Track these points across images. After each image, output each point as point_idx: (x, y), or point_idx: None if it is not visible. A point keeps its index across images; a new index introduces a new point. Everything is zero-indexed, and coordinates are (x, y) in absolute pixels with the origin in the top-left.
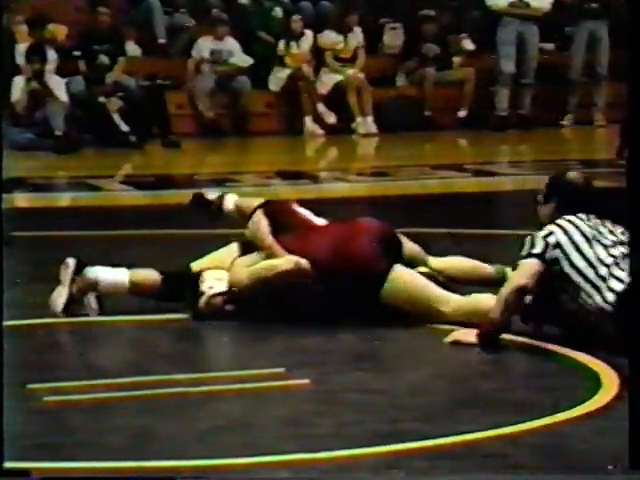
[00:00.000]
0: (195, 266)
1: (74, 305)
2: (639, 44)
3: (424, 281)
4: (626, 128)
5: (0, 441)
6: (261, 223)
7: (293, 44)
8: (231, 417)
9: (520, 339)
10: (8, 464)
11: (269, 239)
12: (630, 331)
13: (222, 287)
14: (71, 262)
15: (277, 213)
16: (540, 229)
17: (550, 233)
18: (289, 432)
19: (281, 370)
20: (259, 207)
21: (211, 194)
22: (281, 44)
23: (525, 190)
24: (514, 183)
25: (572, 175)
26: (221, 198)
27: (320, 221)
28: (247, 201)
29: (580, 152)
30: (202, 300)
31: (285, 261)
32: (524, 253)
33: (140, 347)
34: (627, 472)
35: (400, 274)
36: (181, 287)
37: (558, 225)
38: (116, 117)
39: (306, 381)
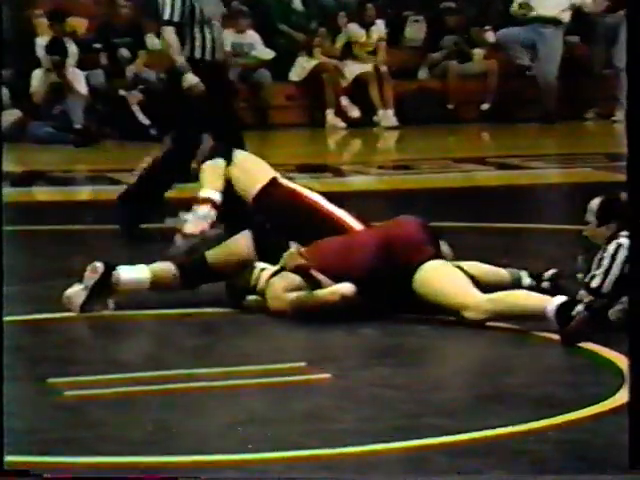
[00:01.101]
0: (210, 255)
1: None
2: (638, 41)
3: (461, 275)
4: None
5: (0, 441)
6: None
7: (328, 38)
8: (252, 411)
9: (544, 334)
10: (25, 458)
11: (318, 275)
12: (630, 331)
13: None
14: (100, 267)
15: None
16: (590, 249)
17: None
18: (310, 427)
19: (302, 364)
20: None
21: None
22: (317, 37)
23: (549, 184)
24: (538, 177)
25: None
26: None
27: (356, 224)
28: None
29: (604, 146)
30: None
31: (330, 294)
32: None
33: (161, 341)
34: (627, 472)
35: (438, 264)
36: (199, 277)
37: (621, 243)
38: (136, 110)
39: (327, 375)
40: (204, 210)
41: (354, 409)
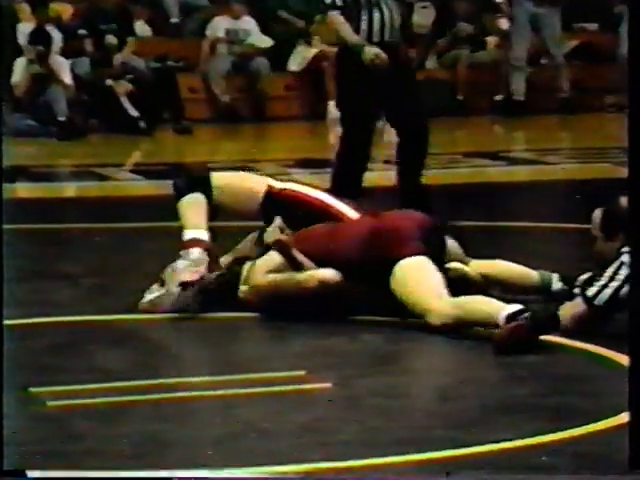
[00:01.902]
0: (217, 177)
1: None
2: (639, 35)
3: (435, 279)
4: None
5: (0, 444)
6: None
7: (324, 25)
8: (247, 423)
9: (559, 339)
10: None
11: (300, 256)
12: (631, 331)
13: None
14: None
15: (303, 206)
16: (599, 266)
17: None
18: (309, 439)
19: (301, 373)
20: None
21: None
22: (315, 24)
23: (565, 180)
24: (554, 172)
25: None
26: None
27: (353, 213)
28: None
29: (624, 139)
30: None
31: (308, 277)
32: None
33: (151, 348)
34: (627, 472)
35: (414, 262)
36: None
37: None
38: (124, 101)
39: (328, 385)
40: (195, 254)
41: (357, 420)
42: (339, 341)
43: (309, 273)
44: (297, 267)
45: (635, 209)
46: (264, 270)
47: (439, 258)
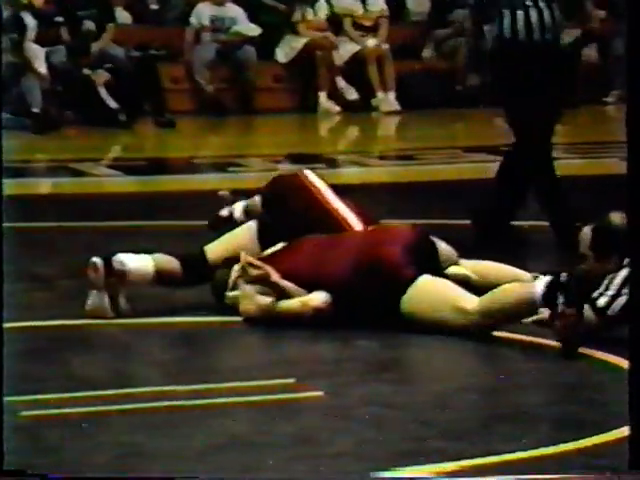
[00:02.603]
0: (211, 252)
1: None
2: (638, 30)
3: (449, 285)
4: None
5: (0, 441)
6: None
7: (308, 10)
8: (234, 434)
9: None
10: None
11: (283, 283)
12: (631, 332)
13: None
14: (99, 262)
15: (302, 208)
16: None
17: None
18: (299, 451)
19: (291, 381)
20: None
21: (223, 211)
22: (296, 10)
23: (570, 176)
24: (557, 168)
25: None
26: (231, 212)
27: (356, 222)
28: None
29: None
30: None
31: (301, 305)
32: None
33: (131, 354)
34: (627, 472)
35: (426, 280)
36: (199, 273)
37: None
38: (103, 92)
39: (319, 393)
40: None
41: (349, 431)
42: (331, 347)
43: (301, 301)
44: (283, 295)
45: (635, 208)
46: (256, 289)
47: (433, 267)
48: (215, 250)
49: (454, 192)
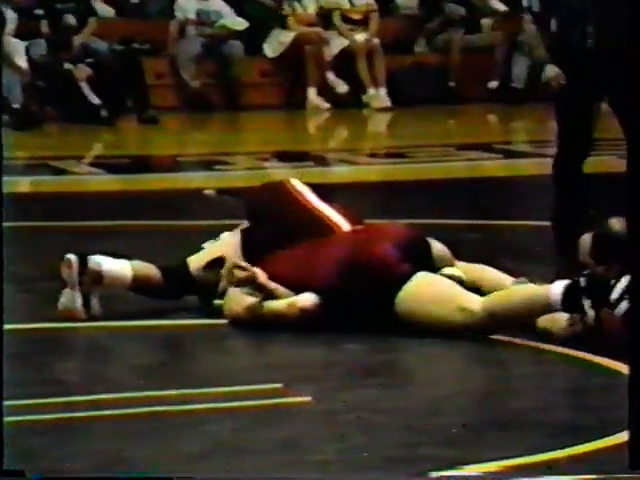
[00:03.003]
0: (194, 262)
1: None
2: (638, 29)
3: (450, 282)
4: None
5: (0, 442)
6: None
7: (297, 3)
8: (219, 440)
9: (560, 349)
10: None
11: (271, 284)
12: (631, 332)
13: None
14: (73, 259)
15: (285, 214)
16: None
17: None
18: (287, 457)
19: (278, 385)
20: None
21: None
22: (284, 4)
23: None
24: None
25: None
26: None
27: (343, 223)
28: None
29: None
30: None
31: (288, 306)
32: None
33: (113, 358)
34: (627, 472)
35: (424, 277)
36: (182, 285)
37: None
38: (84, 87)
39: (307, 398)
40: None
41: (337, 437)
42: (319, 351)
43: (288, 302)
44: (271, 296)
45: (635, 207)
46: (237, 296)
47: (427, 267)
48: (198, 261)
49: (447, 191)
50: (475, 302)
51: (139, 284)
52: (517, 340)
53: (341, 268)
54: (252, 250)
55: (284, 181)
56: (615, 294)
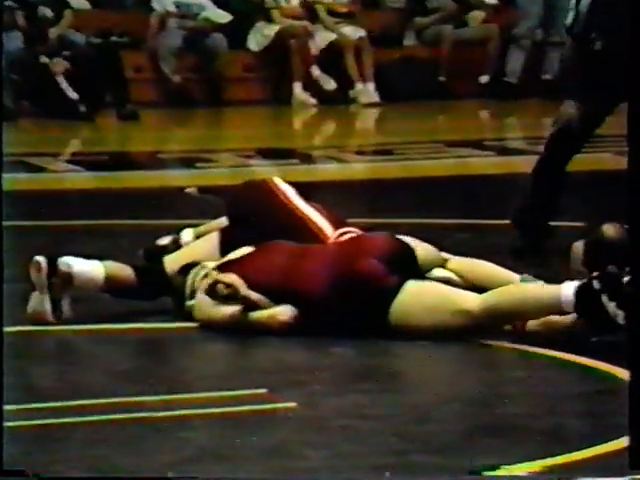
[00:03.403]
0: (170, 262)
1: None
2: (638, 28)
3: (442, 286)
4: None
5: (0, 442)
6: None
7: None
8: (202, 447)
9: (552, 352)
10: None
11: (253, 296)
12: (631, 332)
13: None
14: (42, 261)
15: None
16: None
17: None
18: (272, 465)
19: (262, 391)
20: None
21: (162, 239)
22: None
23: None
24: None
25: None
26: (176, 240)
27: (325, 225)
28: (209, 227)
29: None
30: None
31: (269, 318)
32: None
33: (89, 362)
34: (627, 472)
35: (415, 285)
36: (156, 285)
37: None
38: (61, 82)
39: (292, 404)
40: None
41: (325, 444)
42: (305, 355)
43: (268, 314)
44: (250, 307)
45: (635, 206)
46: (215, 305)
47: (413, 273)
48: (175, 261)
49: (437, 189)
50: (472, 302)
51: (112, 285)
52: (510, 344)
53: (326, 281)
54: (231, 251)
55: (267, 180)
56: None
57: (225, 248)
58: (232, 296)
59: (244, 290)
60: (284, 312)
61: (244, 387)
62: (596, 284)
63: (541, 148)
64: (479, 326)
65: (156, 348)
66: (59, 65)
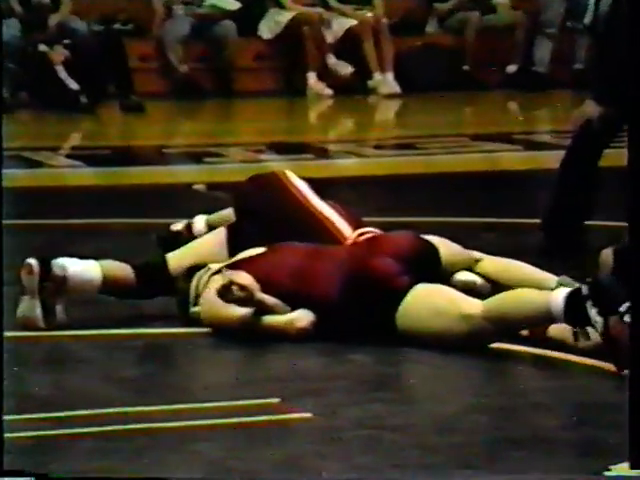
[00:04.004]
0: (174, 260)
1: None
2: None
3: (451, 290)
4: None
5: (0, 442)
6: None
7: None
8: (211, 460)
9: (586, 360)
10: None
11: (269, 300)
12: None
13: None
14: (34, 264)
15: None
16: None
17: None
18: (286, 479)
19: (276, 400)
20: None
21: (176, 225)
22: None
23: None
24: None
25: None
26: (189, 225)
27: (344, 226)
28: (222, 216)
29: None
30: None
31: (286, 323)
32: None
33: (92, 370)
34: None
35: (423, 288)
36: (158, 284)
37: None
38: (61, 71)
39: (307, 414)
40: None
41: (341, 456)
42: (320, 362)
43: (286, 320)
44: (265, 311)
45: (635, 205)
46: (225, 307)
47: (434, 275)
48: (179, 259)
49: (461, 186)
50: (475, 307)
51: (110, 286)
52: (535, 350)
53: (341, 283)
54: (240, 249)
55: (278, 173)
56: (625, 306)
57: (233, 246)
58: (246, 299)
59: (259, 294)
60: (302, 318)
61: (255, 396)
62: (585, 290)
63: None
64: (482, 332)
65: (161, 354)
66: (59, 54)
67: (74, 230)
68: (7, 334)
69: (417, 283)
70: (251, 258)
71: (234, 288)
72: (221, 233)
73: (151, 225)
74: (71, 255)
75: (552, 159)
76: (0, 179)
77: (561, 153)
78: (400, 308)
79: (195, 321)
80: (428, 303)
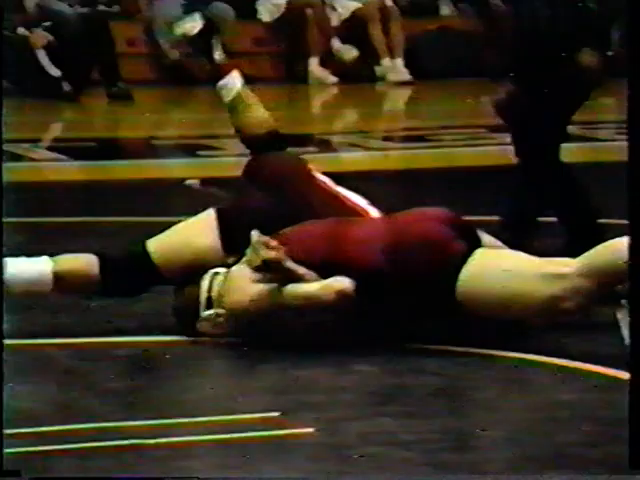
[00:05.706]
0: (155, 246)
1: None
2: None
3: (524, 254)
4: None
5: (0, 444)
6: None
7: None
8: (207, 478)
9: (616, 372)
10: None
11: (300, 270)
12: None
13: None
14: None
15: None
16: None
17: None
18: None
19: (275, 414)
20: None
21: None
22: None
23: (617, 162)
24: (604, 151)
25: None
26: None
27: (372, 210)
28: None
29: None
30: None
31: (322, 289)
32: None
33: (77, 382)
34: (627, 472)
35: (487, 251)
36: (132, 278)
37: None
38: (42, 57)
39: (309, 430)
40: None
41: (346, 475)
42: (324, 373)
43: (323, 284)
44: (295, 281)
45: (635, 204)
46: (250, 278)
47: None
48: (160, 244)
49: (477, 181)
50: (567, 265)
51: (67, 283)
52: (564, 362)
53: (382, 249)
54: (233, 234)
55: (306, 159)
56: None
57: (226, 232)
58: (274, 264)
59: (289, 263)
60: (342, 282)
61: (253, 410)
62: None
63: (594, 133)
64: (576, 293)
65: (151, 365)
66: (39, 37)
67: (55, 229)
68: None
69: (471, 249)
70: (278, 233)
71: (262, 249)
72: (210, 217)
73: (140, 224)
74: (51, 255)
75: (576, 152)
76: (0, 175)
77: (584, 145)
78: (463, 273)
79: (203, 331)
80: (501, 264)
